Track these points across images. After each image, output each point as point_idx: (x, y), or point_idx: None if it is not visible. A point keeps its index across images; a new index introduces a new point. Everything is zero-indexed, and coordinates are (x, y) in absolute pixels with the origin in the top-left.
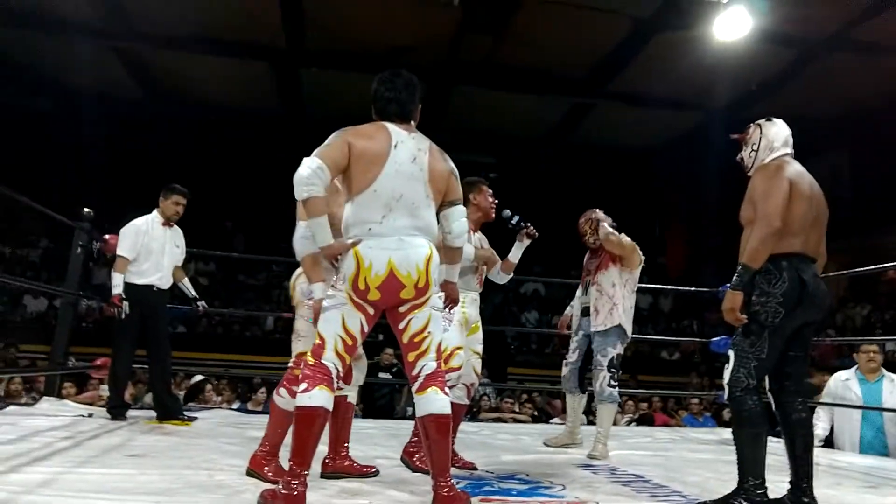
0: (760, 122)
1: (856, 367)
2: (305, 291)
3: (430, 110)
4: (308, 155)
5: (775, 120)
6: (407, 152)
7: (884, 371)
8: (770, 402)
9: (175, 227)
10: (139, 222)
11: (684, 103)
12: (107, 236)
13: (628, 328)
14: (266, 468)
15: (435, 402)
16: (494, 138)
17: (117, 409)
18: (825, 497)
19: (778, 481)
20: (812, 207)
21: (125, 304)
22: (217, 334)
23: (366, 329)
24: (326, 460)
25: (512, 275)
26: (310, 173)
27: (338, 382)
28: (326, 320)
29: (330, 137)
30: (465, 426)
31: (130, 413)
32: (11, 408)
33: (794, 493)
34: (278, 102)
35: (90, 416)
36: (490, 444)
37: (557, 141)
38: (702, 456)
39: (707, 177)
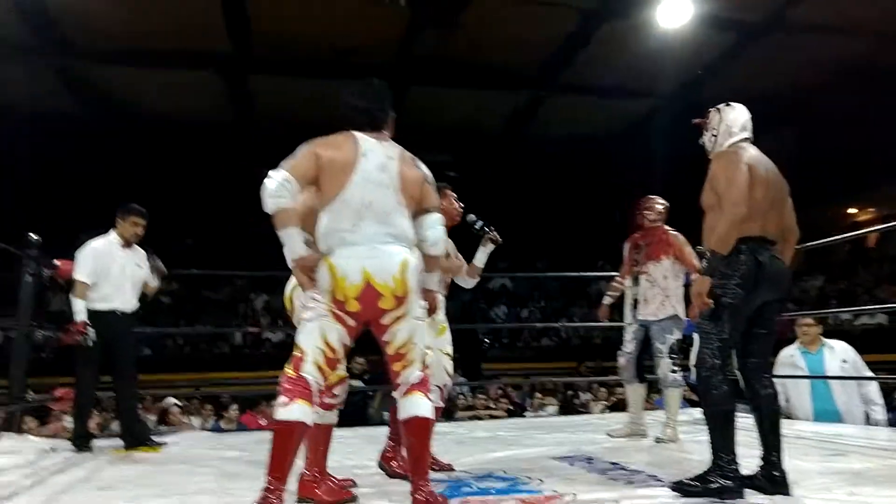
0: (720, 106)
1: (798, 340)
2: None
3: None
4: (262, 163)
5: (734, 104)
6: (375, 160)
7: (823, 340)
8: (738, 380)
9: (135, 247)
10: (97, 244)
11: (635, 91)
12: (57, 262)
13: (682, 314)
14: (316, 489)
15: (419, 405)
16: (450, 135)
17: (82, 440)
18: (795, 467)
19: (751, 456)
20: (769, 190)
21: (91, 330)
22: (184, 354)
23: (347, 342)
24: (305, 478)
25: (478, 279)
26: (276, 185)
27: (318, 397)
28: (306, 332)
29: (298, 149)
30: (440, 426)
31: (96, 443)
32: None
33: (766, 466)
34: (229, 110)
35: (53, 450)
36: (466, 443)
37: (513, 135)
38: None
39: (664, 161)
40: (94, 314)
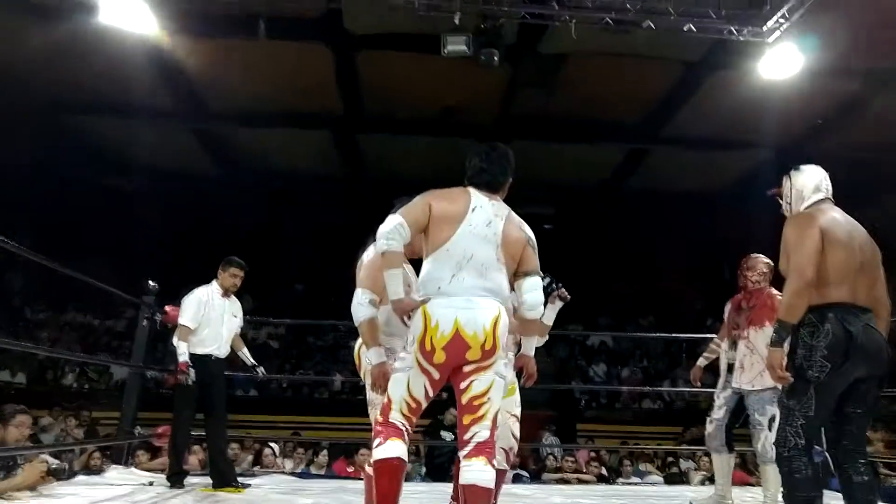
0: (790, 172)
1: None
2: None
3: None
4: (371, 215)
5: (803, 167)
6: (484, 216)
7: None
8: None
9: (233, 297)
10: (200, 292)
11: (744, 143)
12: (167, 307)
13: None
14: None
15: (481, 472)
16: (552, 189)
17: (176, 477)
18: None
19: None
20: (854, 254)
21: (191, 370)
22: (287, 397)
23: (430, 393)
24: None
25: (547, 338)
26: (391, 229)
27: (408, 438)
28: (395, 381)
29: (416, 198)
30: (519, 489)
31: (190, 479)
32: (80, 477)
33: None
34: (340, 166)
35: (151, 484)
36: None
37: (616, 189)
38: None
39: (774, 216)
40: (192, 357)
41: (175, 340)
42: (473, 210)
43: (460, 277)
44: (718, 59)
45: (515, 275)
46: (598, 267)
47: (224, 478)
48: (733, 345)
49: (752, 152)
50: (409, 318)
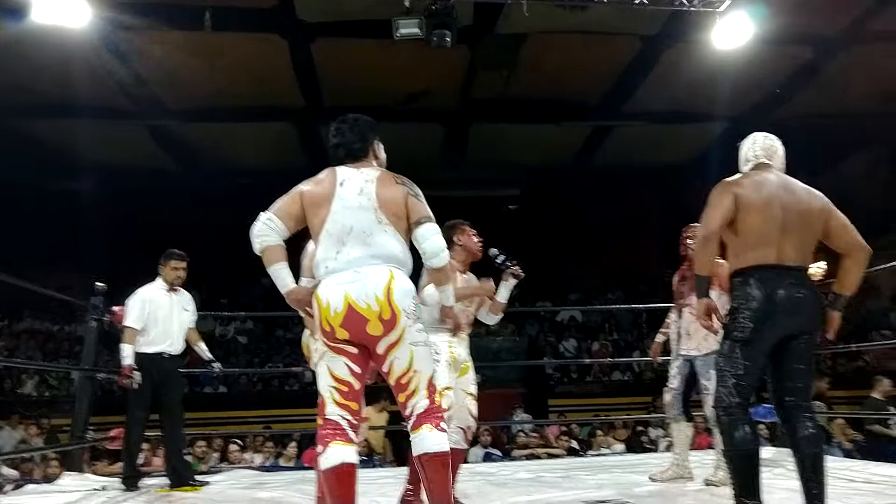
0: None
1: None
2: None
3: (450, 149)
4: None
5: (745, 140)
6: (353, 186)
7: None
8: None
9: (182, 291)
10: (143, 291)
11: (705, 115)
12: (115, 308)
13: None
14: None
15: (428, 439)
16: (517, 170)
17: (130, 479)
18: None
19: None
20: (774, 216)
21: (136, 374)
22: (257, 391)
23: (356, 370)
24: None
25: (501, 315)
26: (260, 226)
27: (354, 431)
28: (319, 376)
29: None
30: (486, 467)
31: (147, 482)
32: (29, 486)
33: None
34: (304, 159)
35: (104, 488)
36: (504, 485)
37: (581, 167)
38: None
39: None
40: (142, 357)
41: (121, 343)
42: (342, 184)
43: (345, 252)
44: (675, 32)
45: (408, 229)
46: (567, 244)
47: (181, 477)
48: (680, 314)
49: (713, 124)
50: (310, 307)
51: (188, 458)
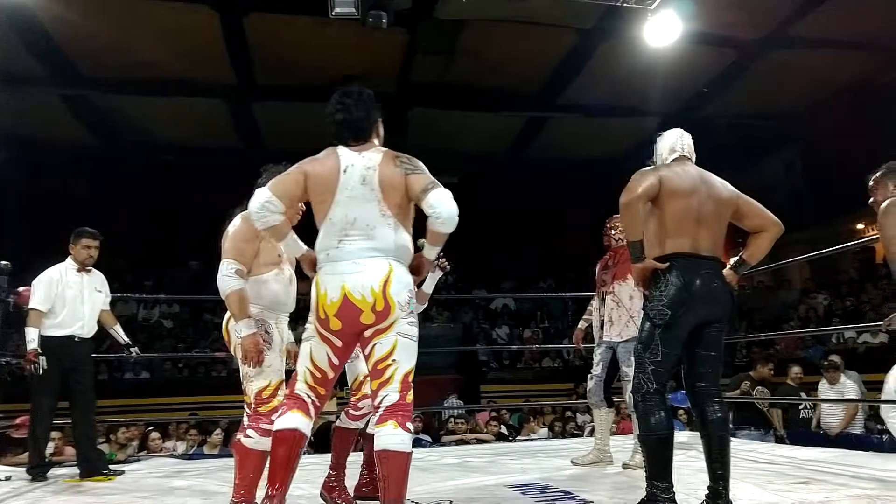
0: (656, 138)
1: None
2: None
3: (387, 134)
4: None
5: (664, 133)
6: (356, 174)
7: None
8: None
9: (94, 271)
10: (51, 271)
11: (638, 110)
12: (20, 288)
13: None
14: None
15: (391, 436)
16: (456, 157)
17: (37, 469)
18: (751, 496)
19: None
20: (692, 206)
21: (42, 359)
22: (182, 377)
23: (335, 362)
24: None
25: (426, 304)
26: (259, 207)
27: (314, 412)
28: (300, 352)
29: (290, 168)
30: (414, 453)
31: (56, 472)
32: None
33: (711, 497)
34: (236, 138)
35: (8, 479)
36: (429, 470)
37: (518, 156)
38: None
39: None
40: (50, 340)
41: (26, 326)
42: (345, 171)
43: (346, 242)
44: (609, 27)
45: (417, 202)
46: (503, 233)
47: (92, 467)
48: (602, 302)
49: (645, 119)
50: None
51: (107, 446)
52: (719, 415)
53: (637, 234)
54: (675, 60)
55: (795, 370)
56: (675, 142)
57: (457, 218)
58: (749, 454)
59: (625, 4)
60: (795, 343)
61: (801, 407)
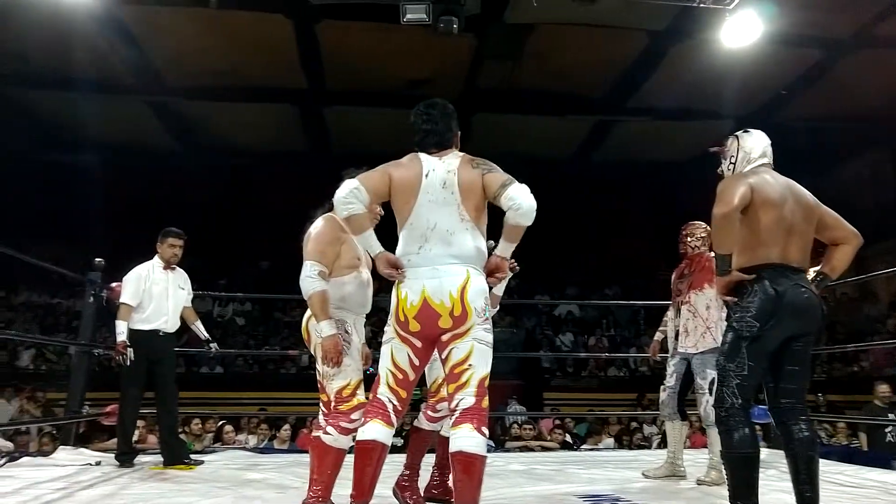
0: (738, 133)
1: None
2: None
3: None
4: (336, 191)
5: (752, 131)
6: (437, 179)
7: None
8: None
9: (178, 269)
10: (140, 269)
11: (708, 113)
12: (113, 284)
13: None
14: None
15: (467, 439)
16: (519, 161)
17: (125, 456)
18: None
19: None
20: (784, 216)
21: (129, 350)
22: (253, 373)
23: (416, 362)
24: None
25: (498, 307)
26: (346, 192)
27: (396, 416)
28: (381, 355)
29: (376, 168)
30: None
31: (142, 458)
32: (25, 459)
33: None
34: (305, 142)
35: (98, 463)
36: (496, 475)
37: (584, 160)
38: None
39: None
40: (137, 334)
41: (116, 319)
42: (427, 176)
43: (427, 248)
44: (682, 28)
45: (495, 199)
46: (566, 238)
47: (175, 455)
48: (678, 312)
49: (717, 122)
50: (395, 268)
51: (183, 436)
52: (807, 434)
53: (730, 248)
54: (752, 62)
55: (883, 388)
56: (766, 147)
57: (535, 211)
58: (835, 476)
59: (701, 5)
60: (885, 359)
61: (887, 430)
